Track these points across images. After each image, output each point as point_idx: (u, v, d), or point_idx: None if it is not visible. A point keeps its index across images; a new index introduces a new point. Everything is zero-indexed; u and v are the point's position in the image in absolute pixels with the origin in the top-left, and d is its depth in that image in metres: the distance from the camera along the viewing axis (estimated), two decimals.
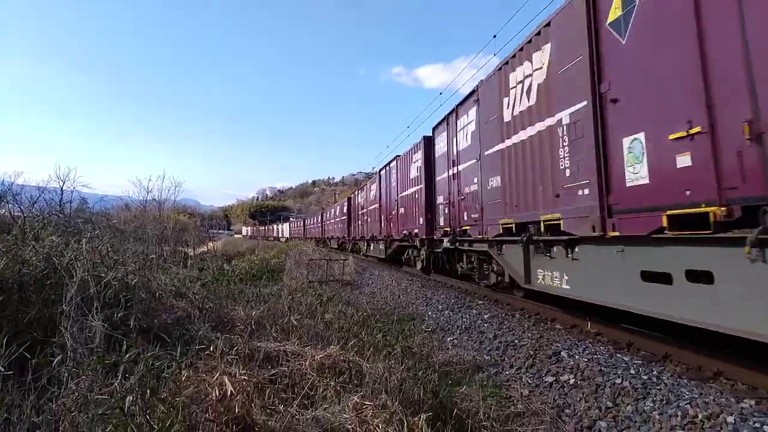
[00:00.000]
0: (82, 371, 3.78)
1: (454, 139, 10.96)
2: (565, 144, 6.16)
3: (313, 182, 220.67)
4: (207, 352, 4.38)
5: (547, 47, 6.72)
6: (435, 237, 12.70)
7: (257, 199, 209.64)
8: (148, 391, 3.30)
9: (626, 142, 5.07)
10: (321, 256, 20.08)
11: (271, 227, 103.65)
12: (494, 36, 12.72)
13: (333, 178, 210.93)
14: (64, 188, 20.05)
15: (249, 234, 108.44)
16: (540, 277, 7.13)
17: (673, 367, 5.07)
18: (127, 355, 3.62)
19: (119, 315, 4.42)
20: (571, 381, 4.99)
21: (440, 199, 12.20)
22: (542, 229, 6.74)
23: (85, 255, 4.78)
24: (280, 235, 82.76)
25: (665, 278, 4.63)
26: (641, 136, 4.85)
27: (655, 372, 4.84)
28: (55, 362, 3.87)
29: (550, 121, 6.58)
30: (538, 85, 6.95)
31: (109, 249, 5.67)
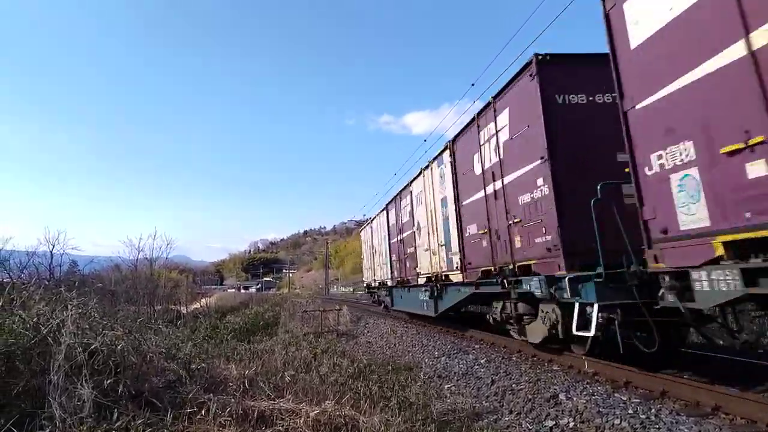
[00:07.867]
0: None
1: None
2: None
3: (305, 232, 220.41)
4: (199, 415, 4.30)
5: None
6: None
7: (249, 252, 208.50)
8: None
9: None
10: (315, 307, 19.91)
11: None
12: (472, 84, 13.21)
13: (324, 227, 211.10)
14: (53, 251, 19.97)
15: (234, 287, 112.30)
16: None
17: (671, 404, 5.03)
18: (117, 424, 3.55)
19: (109, 381, 4.34)
20: (571, 424, 4.92)
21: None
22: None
23: (70, 322, 4.73)
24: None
25: None
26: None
27: (653, 410, 4.80)
28: None
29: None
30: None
31: (96, 314, 5.59)
